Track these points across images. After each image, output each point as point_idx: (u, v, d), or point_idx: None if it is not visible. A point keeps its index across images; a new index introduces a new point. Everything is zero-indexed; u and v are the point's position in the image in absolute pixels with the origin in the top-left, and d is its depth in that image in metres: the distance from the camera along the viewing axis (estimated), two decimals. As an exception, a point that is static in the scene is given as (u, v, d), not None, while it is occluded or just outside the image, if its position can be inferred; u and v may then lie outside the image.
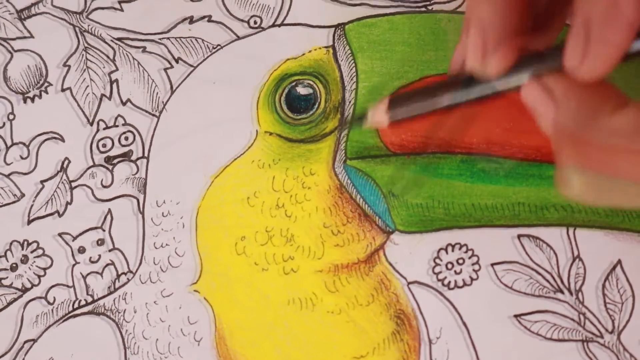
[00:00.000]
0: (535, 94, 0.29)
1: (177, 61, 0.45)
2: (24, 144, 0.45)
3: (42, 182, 0.45)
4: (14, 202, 0.45)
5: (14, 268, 0.44)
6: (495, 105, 0.39)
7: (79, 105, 0.45)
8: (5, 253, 0.44)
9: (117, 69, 0.46)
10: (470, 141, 0.39)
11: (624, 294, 0.39)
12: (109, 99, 0.45)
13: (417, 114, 0.33)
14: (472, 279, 0.40)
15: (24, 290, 0.44)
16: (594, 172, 0.27)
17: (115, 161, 0.44)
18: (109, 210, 0.44)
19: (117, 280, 0.43)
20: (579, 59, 0.27)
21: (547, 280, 0.40)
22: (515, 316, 0.39)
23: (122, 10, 0.46)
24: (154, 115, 0.45)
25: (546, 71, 0.29)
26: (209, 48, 0.45)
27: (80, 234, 0.44)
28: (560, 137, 0.28)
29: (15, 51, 0.47)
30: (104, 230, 0.44)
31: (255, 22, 0.45)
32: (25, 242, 0.44)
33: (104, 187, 0.44)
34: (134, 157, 0.44)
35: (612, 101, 0.28)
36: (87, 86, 0.46)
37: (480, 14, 0.29)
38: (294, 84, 0.43)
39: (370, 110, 0.35)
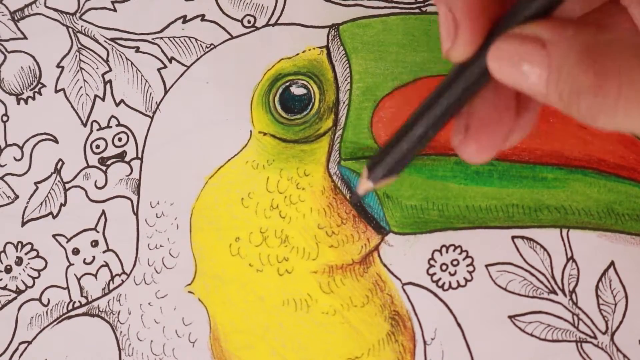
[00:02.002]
0: (515, 53, 0.26)
1: (170, 61, 0.45)
2: (18, 145, 0.45)
3: (36, 183, 0.45)
4: (8, 203, 0.45)
5: (8, 270, 0.44)
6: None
7: (72, 106, 0.45)
8: (0, 255, 0.44)
9: (110, 70, 0.45)
10: (464, 143, 0.39)
11: (618, 295, 0.39)
12: (103, 99, 0.45)
13: (407, 157, 0.31)
14: (466, 280, 0.40)
15: (19, 292, 0.44)
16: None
17: (109, 162, 0.44)
18: (103, 212, 0.44)
19: (111, 282, 0.43)
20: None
21: (542, 282, 0.40)
22: (510, 317, 0.39)
23: (115, 10, 0.46)
24: (147, 115, 0.45)
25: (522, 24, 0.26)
26: (202, 47, 0.45)
27: (75, 236, 0.44)
28: (568, 87, 0.25)
29: (9, 52, 0.47)
30: (98, 232, 0.44)
31: (249, 22, 0.45)
32: (20, 244, 0.44)
33: (98, 188, 0.44)
34: (128, 158, 0.44)
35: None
36: (81, 87, 0.46)
37: None
38: (288, 84, 0.43)
39: (362, 185, 0.32)
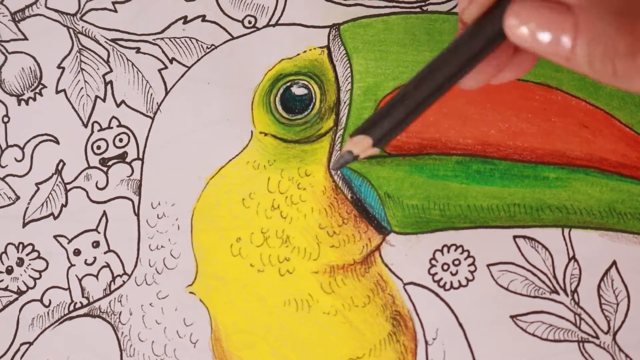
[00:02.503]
0: (536, 16, 0.25)
1: (171, 62, 0.45)
2: (19, 146, 0.45)
3: (37, 184, 0.45)
4: (9, 204, 0.45)
5: (9, 271, 0.44)
6: (490, 106, 0.40)
7: (73, 107, 0.45)
8: (1, 256, 0.44)
9: (111, 71, 0.45)
10: (466, 142, 0.39)
11: (619, 295, 0.39)
12: (104, 100, 0.45)
13: (403, 122, 0.29)
14: (468, 280, 0.40)
15: (20, 292, 0.44)
16: None
17: (110, 163, 0.44)
18: (105, 213, 0.44)
19: (112, 283, 0.43)
20: None
21: (543, 281, 0.40)
22: (512, 317, 0.39)
23: (115, 11, 0.46)
24: (148, 116, 0.45)
25: None
26: (203, 48, 0.45)
27: (76, 236, 0.44)
28: (601, 50, 0.25)
29: (10, 53, 0.47)
30: (99, 233, 0.44)
31: (249, 22, 0.45)
32: (21, 245, 0.44)
33: (99, 189, 0.44)
34: (129, 159, 0.44)
35: None
36: (82, 88, 0.46)
37: None
38: (289, 84, 0.43)
39: (348, 146, 0.30)
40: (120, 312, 0.42)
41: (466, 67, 0.28)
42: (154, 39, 0.46)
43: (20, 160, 0.45)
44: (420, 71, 0.29)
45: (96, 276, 0.43)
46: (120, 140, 0.45)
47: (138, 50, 0.46)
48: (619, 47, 0.24)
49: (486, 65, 0.29)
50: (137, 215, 0.43)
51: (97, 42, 0.46)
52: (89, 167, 0.45)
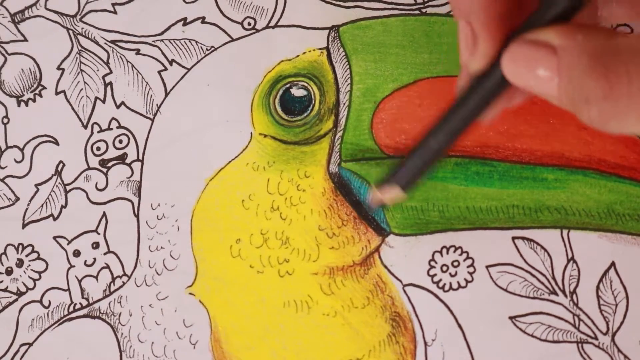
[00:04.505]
0: (527, 58, 0.26)
1: (171, 63, 0.45)
2: (18, 147, 0.45)
3: (37, 185, 0.45)
4: (8, 205, 0.45)
5: (9, 272, 0.44)
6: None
7: (73, 108, 0.45)
8: (1, 257, 0.44)
9: (111, 72, 0.46)
10: (465, 144, 0.39)
11: (618, 296, 0.39)
12: (104, 102, 0.45)
13: (425, 167, 0.31)
14: (467, 281, 0.40)
15: (20, 293, 0.44)
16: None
17: (110, 164, 0.44)
18: (104, 214, 0.44)
19: (112, 284, 0.43)
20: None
21: (542, 282, 0.40)
22: (511, 318, 0.39)
23: (115, 12, 0.46)
24: (148, 118, 0.45)
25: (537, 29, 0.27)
26: (203, 50, 0.45)
27: (76, 237, 0.44)
28: (578, 93, 0.26)
29: (9, 54, 0.47)
30: (99, 234, 0.44)
31: (249, 24, 0.45)
32: (21, 246, 0.44)
33: (99, 190, 0.44)
34: (128, 160, 0.44)
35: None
36: (82, 89, 0.46)
37: (463, 6, 0.28)
38: (288, 85, 0.43)
39: (377, 196, 0.33)
40: (120, 313, 0.42)
41: (478, 113, 0.29)
42: (153, 41, 0.46)
43: (19, 162, 0.45)
44: (436, 123, 0.30)
45: (96, 277, 0.43)
46: (120, 141, 0.45)
47: (138, 51, 0.46)
48: (592, 92, 0.25)
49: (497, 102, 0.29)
50: (137, 216, 0.43)
51: (97, 43, 0.46)
52: (89, 168, 0.45)
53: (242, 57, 0.44)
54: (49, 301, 0.43)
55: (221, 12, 0.45)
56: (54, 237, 0.44)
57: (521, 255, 0.40)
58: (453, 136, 0.30)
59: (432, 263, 0.41)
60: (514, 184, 0.39)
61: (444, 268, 0.40)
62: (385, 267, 0.41)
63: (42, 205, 0.45)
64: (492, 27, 0.28)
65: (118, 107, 0.45)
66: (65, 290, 0.43)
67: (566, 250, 0.40)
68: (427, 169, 0.31)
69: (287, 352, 0.40)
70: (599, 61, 0.25)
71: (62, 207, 0.44)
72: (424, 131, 0.30)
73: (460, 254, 0.40)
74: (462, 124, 0.29)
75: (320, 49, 0.43)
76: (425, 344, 0.40)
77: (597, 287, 0.39)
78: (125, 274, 0.43)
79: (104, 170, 0.44)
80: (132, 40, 0.46)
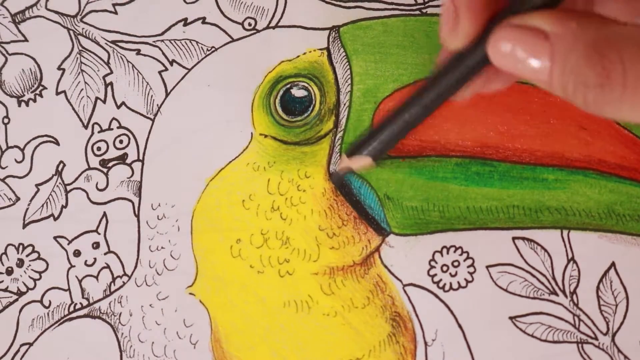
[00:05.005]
0: (516, 43, 0.26)
1: (171, 64, 0.45)
2: (19, 147, 0.45)
3: (37, 185, 0.45)
4: (9, 205, 0.45)
5: (9, 272, 0.44)
6: (489, 109, 0.40)
7: (73, 108, 0.45)
8: (1, 257, 0.44)
9: (111, 72, 0.46)
10: (465, 144, 0.39)
11: (618, 296, 0.39)
12: (104, 102, 0.45)
13: (397, 139, 0.32)
14: (467, 281, 0.40)
15: (20, 293, 0.44)
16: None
17: (110, 164, 0.44)
18: (105, 214, 0.44)
19: (112, 284, 0.43)
20: None
21: (542, 283, 0.40)
22: (511, 318, 0.40)
23: (116, 13, 0.46)
24: (149, 118, 0.45)
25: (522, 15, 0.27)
26: (203, 50, 0.45)
27: (76, 237, 0.44)
28: (573, 80, 0.26)
29: (10, 55, 0.47)
30: (99, 234, 0.44)
31: (250, 24, 0.45)
32: (21, 246, 0.44)
33: (99, 190, 0.44)
34: (129, 160, 0.44)
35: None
36: (82, 89, 0.46)
37: None
38: (288, 86, 0.43)
39: (345, 162, 0.34)
40: (120, 313, 0.42)
41: (453, 90, 0.29)
42: (154, 41, 0.46)
43: (20, 162, 0.45)
44: (412, 97, 0.30)
45: (96, 277, 0.43)
46: (121, 141, 0.45)
47: (138, 52, 0.46)
48: (589, 79, 0.25)
49: (473, 81, 0.29)
50: (137, 216, 0.43)
51: (98, 43, 0.46)
52: (89, 169, 0.45)
53: (242, 58, 0.44)
54: (50, 301, 0.43)
55: (222, 12, 0.46)
56: (55, 237, 0.44)
57: (521, 256, 0.40)
58: (427, 110, 0.30)
59: (433, 263, 0.41)
60: (515, 184, 0.39)
61: (444, 268, 0.40)
62: (386, 267, 0.41)
63: (42, 205, 0.45)
64: (476, 7, 0.27)
65: (118, 107, 0.45)
66: (65, 290, 0.43)
67: (566, 251, 0.40)
68: (397, 141, 0.32)
69: (287, 352, 0.40)
70: (596, 49, 0.25)
71: (63, 207, 0.44)
72: (399, 103, 0.31)
73: (461, 254, 0.40)
74: (437, 100, 0.30)
75: (320, 49, 0.43)
76: (426, 344, 0.40)
77: (597, 288, 0.39)
78: (125, 274, 0.43)
79: (105, 170, 0.44)
80: (133, 41, 0.46)
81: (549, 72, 0.26)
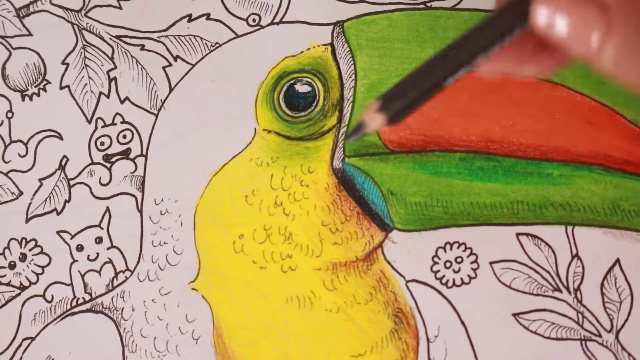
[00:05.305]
0: (567, 8, 0.24)
1: (175, 59, 0.45)
2: (22, 141, 0.45)
3: (40, 180, 0.45)
4: (12, 199, 0.45)
5: (12, 266, 0.44)
6: (494, 103, 0.40)
7: (77, 103, 0.45)
8: (4, 251, 0.44)
9: (115, 67, 0.46)
10: (469, 139, 0.39)
11: (623, 293, 0.39)
12: (108, 97, 0.45)
13: (420, 97, 0.29)
14: (470, 278, 0.40)
15: (23, 288, 0.44)
16: None
17: (113, 159, 0.44)
18: (108, 209, 0.44)
19: (115, 278, 0.43)
20: None
21: (546, 279, 0.39)
22: (514, 315, 0.39)
23: (120, 8, 0.46)
24: (152, 113, 0.45)
25: None
26: (207, 46, 0.45)
27: (79, 232, 0.44)
28: (629, 55, 0.24)
29: (14, 49, 0.47)
30: (102, 229, 0.44)
31: (254, 20, 0.45)
32: (24, 240, 0.44)
33: (103, 185, 0.44)
34: (132, 155, 0.44)
35: None
36: (86, 84, 0.46)
37: None
38: (292, 81, 0.43)
39: (364, 115, 0.31)
40: (123, 308, 0.42)
41: (487, 50, 0.27)
42: (158, 37, 0.46)
43: (23, 156, 0.45)
44: (443, 49, 0.28)
45: (99, 272, 0.43)
46: (124, 136, 0.45)
47: (142, 47, 0.46)
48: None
49: (507, 56, 0.28)
50: (140, 211, 0.43)
51: (102, 38, 0.46)
52: (93, 163, 0.45)
53: (246, 54, 0.44)
54: (52, 295, 0.43)
55: (226, 8, 0.46)
56: (58, 232, 0.44)
57: (525, 252, 0.40)
58: (457, 68, 0.27)
59: (436, 259, 0.40)
60: (519, 180, 0.39)
61: (447, 264, 0.40)
62: (388, 262, 0.41)
63: (45, 200, 0.45)
64: None
65: (122, 102, 0.45)
66: (68, 284, 0.43)
67: (570, 247, 0.40)
68: (422, 103, 0.29)
69: (290, 347, 0.40)
70: None
71: (66, 201, 0.44)
72: (428, 60, 0.28)
73: (464, 250, 0.40)
74: (468, 58, 0.27)
75: (324, 44, 0.43)
76: (428, 340, 0.40)
77: (602, 284, 0.39)
78: (128, 269, 0.43)
79: (108, 165, 0.44)
80: (137, 36, 0.46)
81: (600, 44, 0.24)
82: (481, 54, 0.27)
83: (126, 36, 0.46)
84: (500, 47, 0.27)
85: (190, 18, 0.46)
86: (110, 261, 0.43)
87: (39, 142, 0.45)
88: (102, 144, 0.45)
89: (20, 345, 0.43)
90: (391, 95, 0.29)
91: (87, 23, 0.46)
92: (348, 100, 0.41)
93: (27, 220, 0.45)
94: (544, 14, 0.25)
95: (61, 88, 0.46)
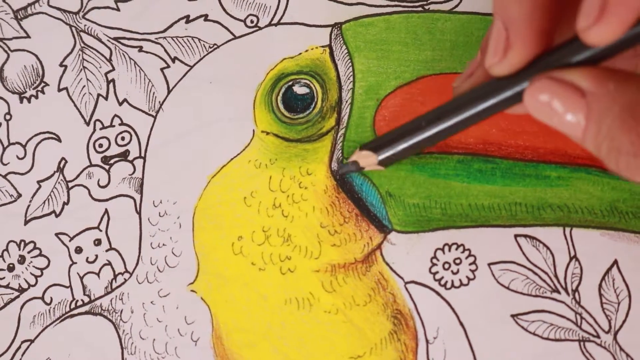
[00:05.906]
0: (553, 95, 0.26)
1: (174, 61, 0.45)
2: (20, 144, 0.45)
3: (39, 182, 0.45)
4: (11, 202, 0.45)
5: (11, 268, 0.44)
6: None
7: (75, 105, 0.45)
8: (2, 253, 0.44)
9: (113, 69, 0.46)
10: (467, 141, 0.39)
11: (621, 294, 0.39)
12: (106, 98, 0.45)
13: (407, 152, 0.34)
14: (469, 279, 0.40)
15: (21, 290, 0.44)
16: None
17: (112, 161, 0.44)
18: (106, 211, 0.44)
19: (114, 281, 0.43)
20: (595, 16, 0.23)
21: (544, 280, 0.40)
22: (513, 316, 0.39)
23: (118, 10, 0.46)
24: (150, 115, 0.45)
25: (564, 66, 0.27)
26: (205, 47, 0.45)
27: (78, 234, 0.44)
28: (607, 143, 0.25)
29: (12, 51, 0.47)
30: (101, 231, 0.44)
31: (252, 21, 0.45)
32: (22, 242, 0.44)
33: (101, 187, 0.44)
34: (130, 157, 0.44)
35: None
36: (84, 86, 0.46)
37: (506, 11, 0.27)
38: (290, 83, 0.43)
39: (356, 157, 0.37)
40: (122, 310, 0.42)
41: (482, 116, 0.30)
42: (156, 38, 0.46)
43: (22, 158, 0.45)
44: (438, 108, 0.31)
45: (98, 274, 0.43)
46: (122, 138, 0.45)
47: (140, 49, 0.46)
48: (622, 146, 0.25)
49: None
50: (139, 213, 0.43)
51: (100, 40, 0.46)
52: (91, 165, 0.45)
53: (244, 55, 0.44)
54: (51, 298, 0.43)
55: (224, 9, 0.45)
56: (56, 234, 0.44)
57: (523, 253, 0.40)
58: (450, 133, 0.30)
59: (434, 260, 0.40)
60: (517, 182, 0.39)
61: (446, 265, 0.40)
62: (387, 264, 0.41)
63: (44, 202, 0.45)
64: (529, 41, 0.27)
65: (120, 104, 0.45)
66: (67, 287, 0.43)
67: (568, 248, 0.40)
68: (409, 153, 0.33)
69: (289, 349, 0.40)
70: (632, 115, 0.24)
71: (64, 203, 0.44)
72: (421, 117, 0.31)
73: (463, 252, 0.40)
74: (462, 125, 0.30)
75: (322, 46, 0.43)
76: (427, 341, 0.40)
77: (600, 286, 0.39)
78: (127, 271, 0.43)
79: (106, 167, 0.44)
80: (135, 38, 0.46)
81: (583, 130, 0.26)
82: (474, 120, 0.30)
83: (124, 38, 0.46)
84: (489, 116, 0.30)
85: (188, 19, 0.46)
86: (109, 263, 0.43)
87: (37, 145, 0.45)
88: (101, 145, 0.45)
89: (19, 347, 0.43)
90: (383, 142, 0.34)
91: (85, 25, 0.46)
92: (346, 102, 0.41)
93: (26, 222, 0.45)
94: (535, 102, 0.27)
95: (59, 90, 0.46)
